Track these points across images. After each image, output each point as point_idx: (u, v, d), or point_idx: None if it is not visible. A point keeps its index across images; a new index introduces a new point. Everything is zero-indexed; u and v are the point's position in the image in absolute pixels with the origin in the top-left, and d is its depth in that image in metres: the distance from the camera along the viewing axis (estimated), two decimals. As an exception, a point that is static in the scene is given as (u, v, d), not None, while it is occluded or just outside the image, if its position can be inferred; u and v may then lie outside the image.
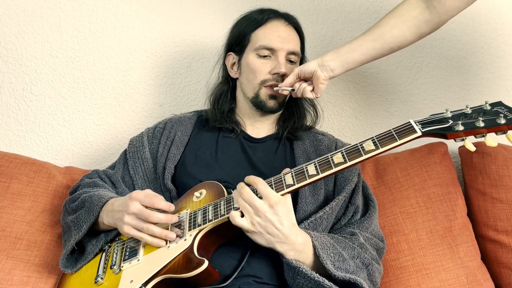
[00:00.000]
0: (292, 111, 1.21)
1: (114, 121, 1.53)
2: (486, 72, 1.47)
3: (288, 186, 0.92)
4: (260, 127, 1.21)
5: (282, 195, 0.91)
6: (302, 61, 1.23)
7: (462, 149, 1.37)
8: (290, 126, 1.19)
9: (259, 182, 0.91)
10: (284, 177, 0.93)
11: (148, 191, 0.99)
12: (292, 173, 0.93)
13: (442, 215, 1.22)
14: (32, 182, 1.27)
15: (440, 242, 1.18)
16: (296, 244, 0.91)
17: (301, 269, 0.90)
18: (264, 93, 1.14)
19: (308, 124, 1.25)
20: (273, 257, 0.99)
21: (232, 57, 1.21)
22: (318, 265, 0.93)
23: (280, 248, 0.91)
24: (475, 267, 1.17)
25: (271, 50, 1.13)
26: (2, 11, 1.51)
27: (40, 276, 1.13)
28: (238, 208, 0.92)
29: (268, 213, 0.88)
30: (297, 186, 0.91)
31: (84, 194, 1.09)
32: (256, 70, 1.13)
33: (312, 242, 0.92)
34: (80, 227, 1.03)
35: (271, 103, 1.14)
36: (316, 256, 0.92)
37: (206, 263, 0.87)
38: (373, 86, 1.51)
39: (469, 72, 1.48)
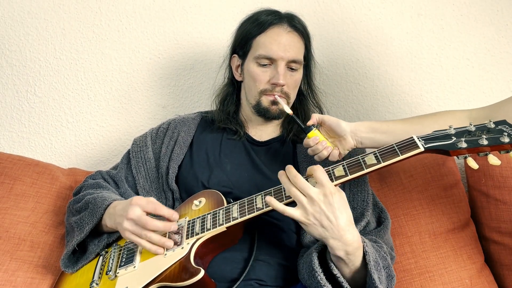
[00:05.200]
0: (297, 114, 1.21)
1: (117, 123, 1.53)
2: (489, 73, 1.46)
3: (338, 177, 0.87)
4: (263, 130, 1.21)
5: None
6: (308, 64, 1.21)
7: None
8: (295, 128, 1.18)
9: (317, 169, 0.83)
10: (333, 170, 0.89)
11: (151, 199, 0.97)
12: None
13: (446, 217, 1.21)
14: (35, 184, 1.27)
15: (443, 244, 1.18)
16: (349, 247, 0.83)
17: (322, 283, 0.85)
18: (265, 100, 1.13)
19: None
20: (276, 260, 0.99)
21: (236, 60, 1.21)
22: (361, 272, 0.87)
23: (332, 244, 0.83)
24: (479, 269, 1.17)
25: (271, 59, 1.11)
26: (6, 13, 1.52)
27: (43, 278, 1.13)
28: (289, 198, 0.87)
29: (323, 203, 0.81)
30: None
31: (88, 195, 1.09)
32: (256, 79, 1.12)
33: (364, 249, 0.86)
34: (83, 228, 1.03)
35: (274, 109, 1.14)
36: (363, 264, 0.86)
37: (202, 273, 0.86)
38: (376, 88, 1.51)
39: (471, 73, 1.48)
